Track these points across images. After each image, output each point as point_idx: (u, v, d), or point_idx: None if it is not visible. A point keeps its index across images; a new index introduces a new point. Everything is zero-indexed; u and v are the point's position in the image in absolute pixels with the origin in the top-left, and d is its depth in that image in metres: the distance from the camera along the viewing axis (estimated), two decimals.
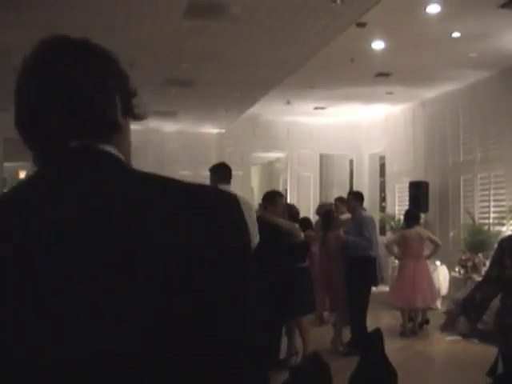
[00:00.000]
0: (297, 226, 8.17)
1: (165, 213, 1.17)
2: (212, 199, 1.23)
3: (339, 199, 10.65)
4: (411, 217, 10.19)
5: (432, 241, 10.18)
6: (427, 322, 10.07)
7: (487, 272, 4.59)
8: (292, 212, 8.48)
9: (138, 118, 1.42)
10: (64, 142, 1.25)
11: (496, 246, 4.71)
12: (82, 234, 1.15)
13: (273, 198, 7.76)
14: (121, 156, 1.29)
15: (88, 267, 1.13)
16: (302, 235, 7.99)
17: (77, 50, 1.31)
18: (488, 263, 6.10)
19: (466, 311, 4.53)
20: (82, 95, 1.26)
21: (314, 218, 11.32)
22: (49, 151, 1.27)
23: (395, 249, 10.45)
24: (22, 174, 16.99)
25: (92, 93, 1.27)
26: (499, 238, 7.43)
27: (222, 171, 6.81)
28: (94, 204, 1.18)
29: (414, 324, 9.78)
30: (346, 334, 8.68)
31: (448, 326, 4.64)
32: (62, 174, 1.24)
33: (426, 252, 10.20)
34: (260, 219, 7.35)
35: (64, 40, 1.33)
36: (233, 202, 1.24)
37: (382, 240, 14.17)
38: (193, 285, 1.13)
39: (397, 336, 9.39)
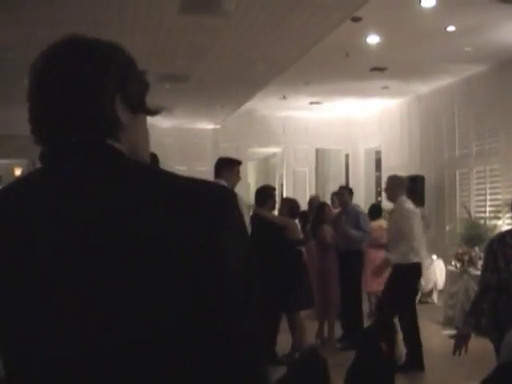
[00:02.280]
0: (296, 222, 8.14)
1: (163, 210, 1.18)
2: (209, 195, 1.24)
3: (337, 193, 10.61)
4: (374, 210, 11.04)
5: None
6: None
7: (486, 281, 4.50)
8: (293, 207, 8.40)
9: (152, 113, 1.44)
10: (66, 137, 1.29)
11: (486, 249, 4.65)
12: (82, 231, 1.16)
13: (264, 195, 7.79)
14: (123, 150, 1.31)
15: (82, 262, 1.15)
16: (300, 233, 8.00)
17: (79, 50, 1.36)
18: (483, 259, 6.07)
19: (479, 328, 4.49)
20: (78, 92, 1.30)
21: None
22: (52, 146, 1.31)
23: None
24: (18, 171, 16.96)
25: (88, 91, 1.30)
26: (492, 236, 7.39)
27: (215, 166, 6.80)
28: (92, 200, 1.20)
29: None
30: (337, 329, 8.68)
31: (460, 349, 4.47)
32: (64, 169, 1.27)
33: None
34: (255, 216, 7.37)
35: (71, 40, 1.39)
36: (230, 197, 1.26)
37: None
38: (194, 281, 1.14)
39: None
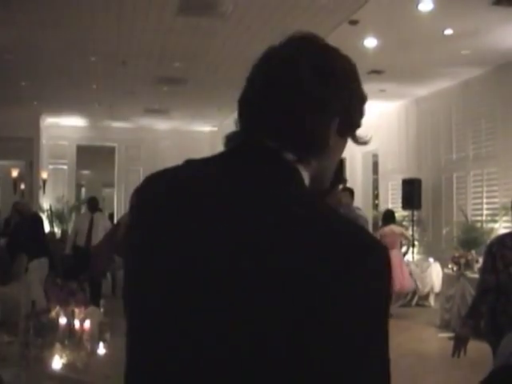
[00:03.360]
0: None
1: (310, 250, 1.06)
2: (378, 251, 1.10)
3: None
4: (386, 216, 11.44)
5: (404, 236, 11.59)
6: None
7: (485, 283, 4.48)
8: None
9: (360, 142, 1.36)
10: (260, 136, 1.21)
11: (485, 251, 4.65)
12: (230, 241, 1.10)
13: None
14: (305, 175, 1.22)
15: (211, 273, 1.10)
16: None
17: (312, 59, 1.24)
18: (481, 261, 6.07)
19: (477, 330, 4.49)
20: (294, 100, 1.20)
21: None
22: (242, 138, 1.24)
23: None
24: (15, 173, 16.92)
25: (305, 103, 1.20)
26: (490, 238, 7.38)
27: None
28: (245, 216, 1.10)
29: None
30: None
31: (459, 351, 4.48)
32: (236, 168, 1.19)
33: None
34: None
35: (306, 41, 1.29)
36: (383, 254, 1.11)
37: None
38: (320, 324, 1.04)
39: (389, 333, 9.39)
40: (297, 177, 1.20)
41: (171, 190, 1.21)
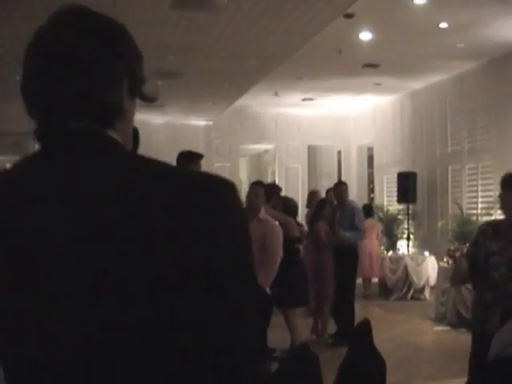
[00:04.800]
0: (292, 220, 8.10)
1: (157, 200, 1.11)
2: (206, 187, 1.15)
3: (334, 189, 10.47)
4: (366, 210, 11.51)
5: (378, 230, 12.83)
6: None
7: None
8: (287, 206, 8.34)
9: (148, 99, 1.34)
10: (61, 120, 1.19)
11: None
12: (72, 223, 1.11)
13: (270, 193, 7.79)
14: (120, 141, 1.23)
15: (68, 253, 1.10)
16: (297, 231, 7.99)
17: (85, 23, 1.24)
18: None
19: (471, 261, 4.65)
20: (79, 73, 1.18)
21: (302, 211, 11.02)
22: (47, 128, 1.21)
23: None
24: None
25: (92, 73, 1.18)
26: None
27: (176, 162, 6.30)
28: (86, 193, 1.13)
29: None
30: (330, 326, 8.68)
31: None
32: (61, 158, 1.18)
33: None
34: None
35: (76, 10, 1.27)
36: (231, 190, 1.17)
37: None
38: (192, 280, 1.08)
39: (385, 327, 9.42)
40: (115, 142, 1.21)
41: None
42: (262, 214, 6.96)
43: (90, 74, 1.18)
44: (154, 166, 1.19)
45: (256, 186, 7.37)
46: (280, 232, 7.08)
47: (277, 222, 7.24)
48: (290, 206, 8.37)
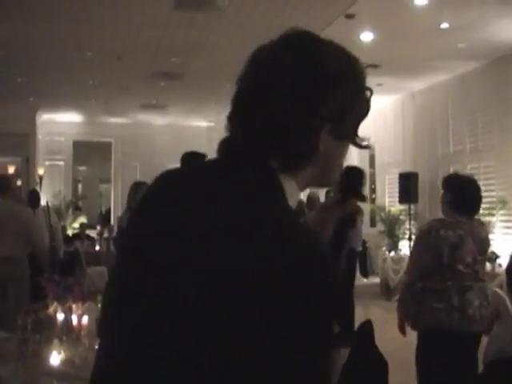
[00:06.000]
0: None
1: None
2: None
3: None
4: None
5: None
6: None
7: None
8: (299, 208, 8.34)
9: (358, 146, 1.26)
10: (246, 146, 1.15)
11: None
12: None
13: None
14: (289, 184, 1.14)
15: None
16: None
17: (300, 58, 1.16)
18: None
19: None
20: (277, 111, 1.12)
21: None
22: (237, 141, 1.19)
23: None
24: (11, 170, 16.89)
25: (290, 114, 1.11)
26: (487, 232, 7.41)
27: (180, 162, 6.43)
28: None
29: None
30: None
31: None
32: (216, 174, 1.16)
33: None
34: None
35: (296, 39, 1.20)
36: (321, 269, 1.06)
37: (372, 232, 14.22)
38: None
39: (387, 327, 9.40)
40: (273, 186, 1.12)
41: (161, 194, 1.21)
42: None
43: (287, 105, 1.12)
44: (288, 236, 1.04)
45: None
46: None
47: None
48: (299, 209, 8.38)
